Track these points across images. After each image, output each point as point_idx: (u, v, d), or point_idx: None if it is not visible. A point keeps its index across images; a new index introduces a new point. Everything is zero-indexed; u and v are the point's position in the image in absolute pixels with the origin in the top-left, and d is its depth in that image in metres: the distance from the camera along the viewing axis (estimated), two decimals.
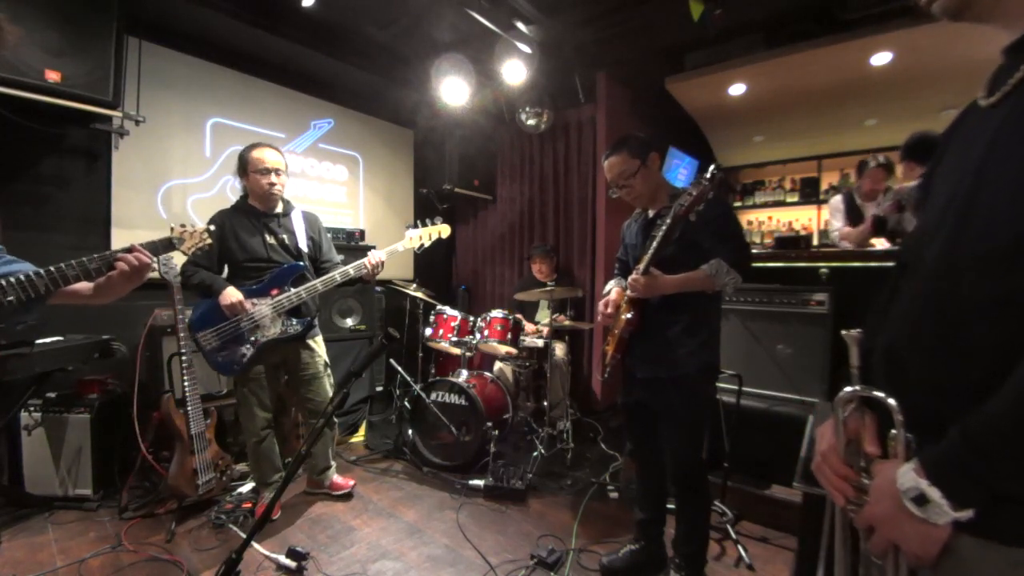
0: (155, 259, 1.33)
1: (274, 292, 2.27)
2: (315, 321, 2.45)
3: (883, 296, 0.79)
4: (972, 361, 0.60)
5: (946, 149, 0.76)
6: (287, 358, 2.41)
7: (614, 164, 1.79)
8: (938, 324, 0.65)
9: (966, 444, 0.57)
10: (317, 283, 2.30)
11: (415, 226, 2.59)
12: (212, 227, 1.75)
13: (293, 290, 2.27)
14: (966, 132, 0.71)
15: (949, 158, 0.74)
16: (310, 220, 2.51)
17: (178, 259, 2.32)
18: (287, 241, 2.37)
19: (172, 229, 1.64)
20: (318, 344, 2.49)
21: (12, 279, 1.12)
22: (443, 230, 2.63)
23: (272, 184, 2.29)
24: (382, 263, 2.38)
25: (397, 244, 2.52)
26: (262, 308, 2.24)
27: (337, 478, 2.62)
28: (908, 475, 0.60)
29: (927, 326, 0.67)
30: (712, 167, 1.52)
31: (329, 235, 2.63)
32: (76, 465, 2.37)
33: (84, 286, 1.27)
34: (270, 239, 2.33)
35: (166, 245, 1.46)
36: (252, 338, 2.24)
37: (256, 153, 2.28)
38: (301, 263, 2.37)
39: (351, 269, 2.36)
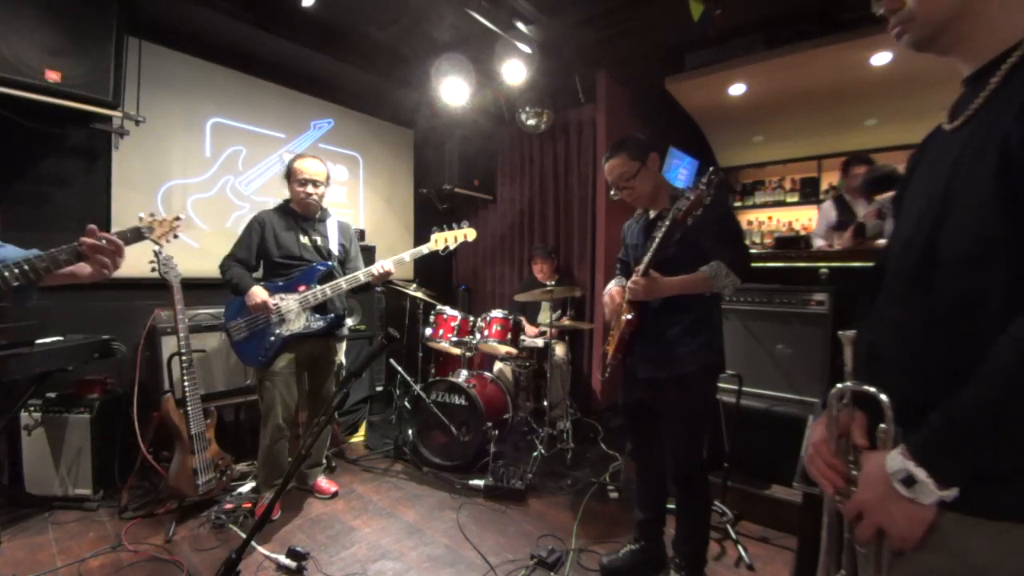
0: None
1: (301, 288, 2.37)
2: (343, 321, 2.57)
3: (867, 299, 0.85)
4: (947, 355, 0.66)
5: (915, 168, 0.83)
6: (314, 352, 2.47)
7: (614, 166, 1.79)
8: (911, 323, 0.71)
9: (948, 425, 0.61)
10: (341, 281, 2.39)
11: (441, 228, 2.62)
12: (182, 216, 1.83)
13: (319, 287, 2.36)
14: (933, 153, 0.78)
15: (919, 176, 0.81)
16: (343, 228, 2.64)
17: (179, 258, 2.33)
18: (320, 243, 2.50)
19: (140, 219, 1.64)
20: (340, 344, 2.62)
21: None
22: (469, 233, 2.66)
23: (309, 194, 2.43)
24: (390, 272, 2.46)
25: (422, 246, 2.57)
26: (289, 303, 2.33)
27: (322, 480, 2.63)
28: (896, 458, 0.64)
29: (901, 326, 0.73)
30: (710, 171, 1.53)
31: (357, 243, 2.72)
32: (76, 465, 2.37)
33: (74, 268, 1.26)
34: (304, 239, 2.46)
35: (135, 234, 1.45)
36: (277, 331, 2.32)
37: (299, 164, 2.43)
38: (329, 262, 2.47)
39: (374, 269, 2.42)
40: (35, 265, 1.17)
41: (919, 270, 0.71)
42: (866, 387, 0.71)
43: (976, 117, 0.68)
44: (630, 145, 1.78)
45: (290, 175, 2.45)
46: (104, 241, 1.26)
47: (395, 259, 2.47)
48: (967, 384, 0.60)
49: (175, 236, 1.79)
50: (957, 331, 0.65)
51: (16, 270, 1.15)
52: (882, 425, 0.69)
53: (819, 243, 3.35)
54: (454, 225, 2.64)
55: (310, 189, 2.43)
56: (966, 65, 0.72)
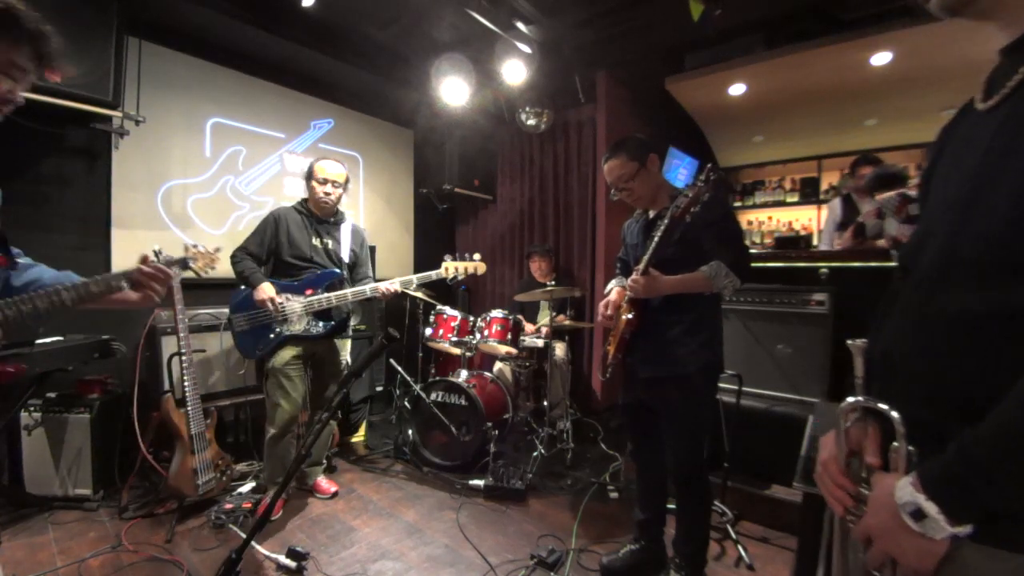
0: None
1: (308, 292, 2.41)
2: (346, 326, 2.61)
3: (885, 301, 0.79)
4: (965, 373, 0.60)
5: (941, 152, 0.74)
6: (318, 351, 2.49)
7: (613, 167, 1.79)
8: (930, 333, 0.64)
9: (963, 461, 0.56)
10: (347, 292, 2.42)
11: (454, 258, 2.66)
12: (220, 248, 1.91)
13: (325, 295, 2.39)
14: (963, 135, 0.69)
15: (945, 162, 0.72)
16: (356, 233, 2.67)
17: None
18: (331, 247, 2.54)
19: (186, 248, 1.75)
20: (344, 345, 2.65)
21: (43, 292, 1.14)
22: (480, 267, 2.69)
23: (327, 194, 2.47)
24: (397, 292, 2.50)
25: (431, 272, 2.59)
26: (294, 305, 2.37)
27: (322, 480, 2.63)
28: (906, 489, 0.59)
29: (919, 335, 0.66)
30: (708, 167, 1.53)
31: (368, 250, 2.75)
32: (76, 465, 2.37)
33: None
34: (316, 242, 2.50)
35: (181, 264, 1.54)
36: (277, 329, 2.37)
37: (319, 164, 2.49)
38: (338, 271, 2.50)
39: (382, 287, 2.44)
40: (90, 289, 1.20)
41: (939, 272, 0.64)
42: (878, 404, 0.66)
43: (1014, 95, 0.59)
44: (629, 146, 1.78)
45: (310, 175, 2.49)
46: (158, 271, 1.29)
47: (403, 280, 2.50)
48: (986, 414, 0.54)
49: (212, 268, 1.86)
50: (978, 346, 0.58)
51: (74, 293, 1.18)
52: (894, 443, 0.64)
53: (823, 247, 3.36)
54: (467, 256, 2.67)
55: (328, 188, 2.47)
56: (1004, 33, 0.62)
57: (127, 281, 1.26)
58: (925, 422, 0.62)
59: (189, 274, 2.51)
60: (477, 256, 2.68)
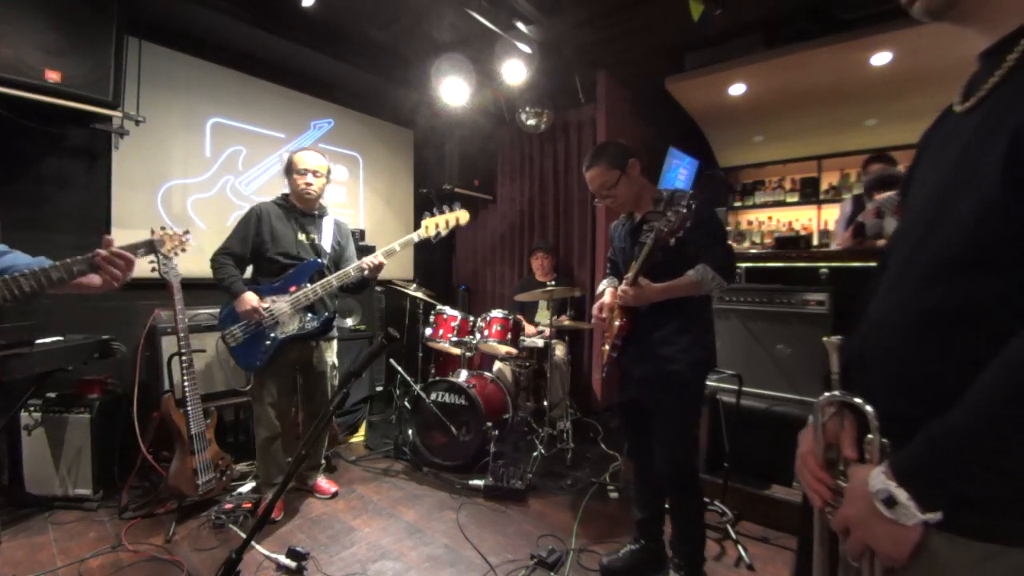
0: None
1: (292, 289, 2.33)
2: (333, 323, 2.51)
3: (866, 298, 0.81)
4: (936, 367, 0.62)
5: (921, 154, 0.76)
6: (301, 355, 2.43)
7: (594, 176, 1.80)
8: (902, 328, 0.67)
9: (931, 449, 0.58)
10: (332, 279, 2.33)
11: (432, 214, 2.48)
12: (190, 230, 1.92)
13: (309, 287, 2.32)
14: (941, 137, 0.71)
15: (924, 163, 0.75)
16: (339, 226, 2.60)
17: (179, 258, 2.32)
18: (317, 242, 2.45)
19: (152, 232, 1.74)
20: (330, 346, 2.56)
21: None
22: (461, 216, 2.49)
23: (308, 184, 2.39)
24: (382, 264, 2.39)
25: (412, 234, 2.46)
26: (281, 305, 2.29)
27: (322, 481, 2.62)
28: (878, 477, 0.61)
29: (892, 329, 0.69)
30: (690, 194, 1.55)
31: (353, 244, 2.65)
32: (76, 465, 2.37)
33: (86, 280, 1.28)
34: (302, 237, 2.41)
35: (147, 247, 1.50)
36: (272, 334, 2.30)
37: (298, 155, 2.42)
38: (320, 260, 2.42)
39: (364, 263, 2.35)
40: (50, 275, 1.19)
41: (912, 269, 0.66)
42: (853, 398, 0.68)
43: (990, 99, 0.61)
44: (609, 153, 1.79)
45: (290, 167, 2.41)
46: (118, 256, 1.27)
47: (385, 250, 2.39)
48: (954, 405, 0.56)
49: (183, 250, 1.86)
50: (947, 342, 0.61)
51: (33, 281, 1.16)
52: (868, 436, 0.66)
53: (833, 246, 3.36)
54: (445, 208, 2.50)
55: (310, 179, 2.39)
56: (983, 37, 0.64)
57: (88, 265, 1.25)
58: (898, 414, 0.64)
59: (189, 273, 2.53)
60: (457, 204, 2.50)
